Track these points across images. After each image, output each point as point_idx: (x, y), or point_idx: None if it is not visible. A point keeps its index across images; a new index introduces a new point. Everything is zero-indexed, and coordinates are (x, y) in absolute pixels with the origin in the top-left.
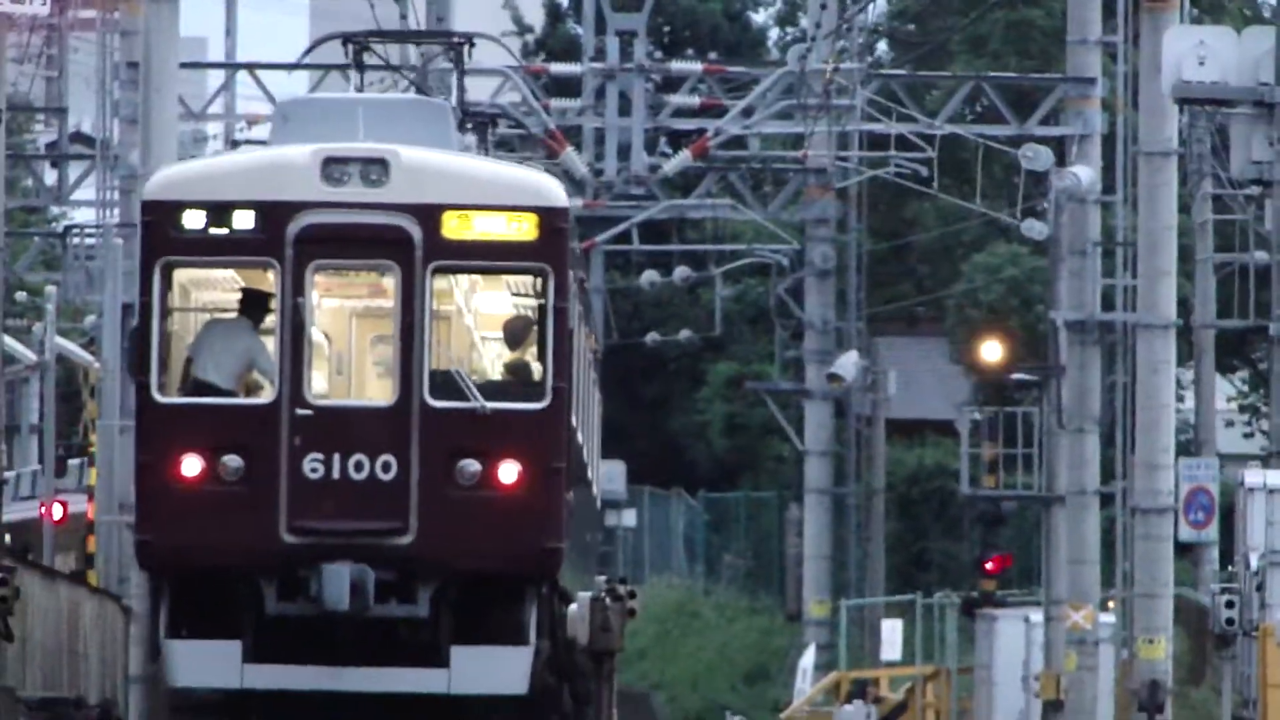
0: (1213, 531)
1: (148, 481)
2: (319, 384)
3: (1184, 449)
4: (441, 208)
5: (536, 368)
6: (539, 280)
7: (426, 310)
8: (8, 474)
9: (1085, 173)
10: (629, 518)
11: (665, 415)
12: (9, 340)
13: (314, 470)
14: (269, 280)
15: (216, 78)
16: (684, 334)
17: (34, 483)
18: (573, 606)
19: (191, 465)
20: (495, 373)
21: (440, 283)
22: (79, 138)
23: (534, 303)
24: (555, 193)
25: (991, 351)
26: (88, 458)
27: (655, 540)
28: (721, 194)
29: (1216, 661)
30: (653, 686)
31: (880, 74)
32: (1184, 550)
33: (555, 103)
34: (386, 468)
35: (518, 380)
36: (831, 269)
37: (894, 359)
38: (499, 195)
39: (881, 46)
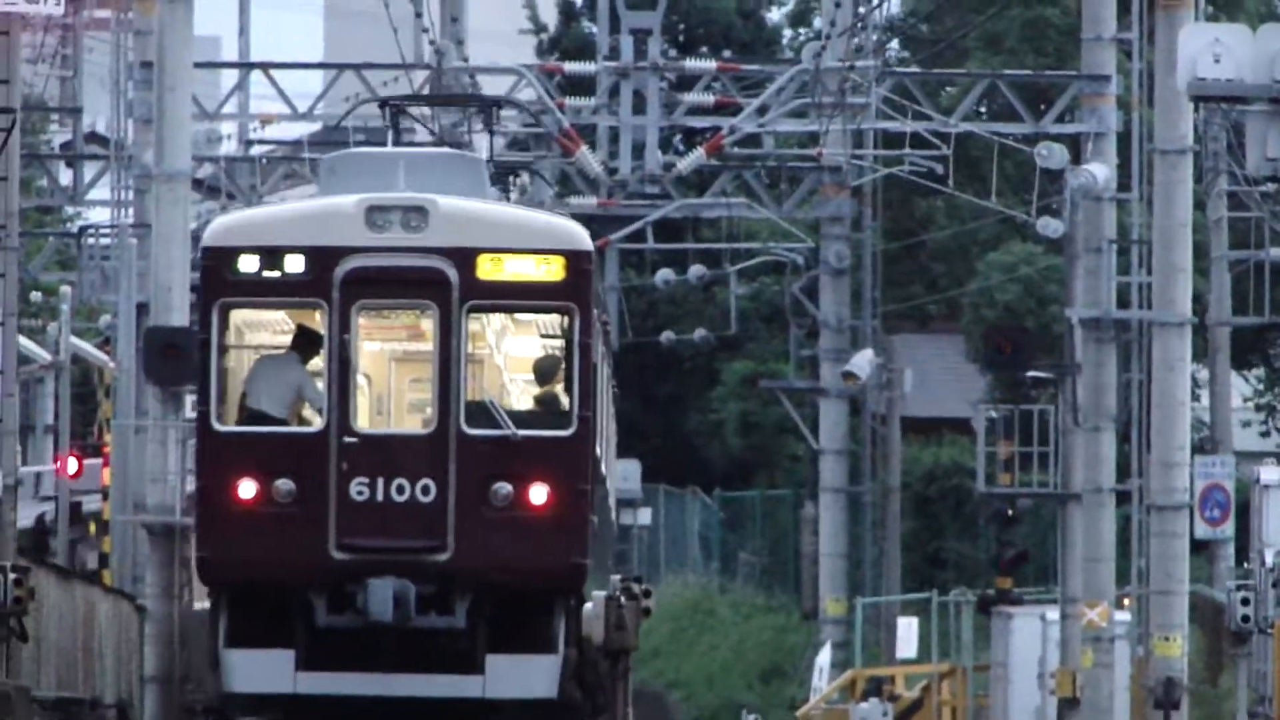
0: (1228, 529)
1: (207, 503)
2: (364, 414)
3: (1199, 447)
4: (476, 251)
5: (564, 398)
6: (565, 318)
7: (462, 346)
8: (23, 470)
9: (1100, 170)
10: (644, 516)
11: (680, 414)
12: (24, 340)
13: (360, 493)
14: (317, 319)
15: (230, 77)
16: (699, 333)
17: (37, 483)
18: (588, 605)
19: (247, 488)
20: (525, 403)
21: (474, 320)
22: (94, 137)
23: (561, 339)
24: (581, 237)
25: (1006, 350)
26: (102, 458)
27: (671, 539)
28: (736, 192)
29: (1232, 658)
30: (668, 685)
31: (895, 72)
32: (1199, 547)
33: (570, 101)
34: (426, 490)
35: (546, 410)
36: (846, 267)
37: (909, 357)
38: (529, 239)
39: (895, 45)
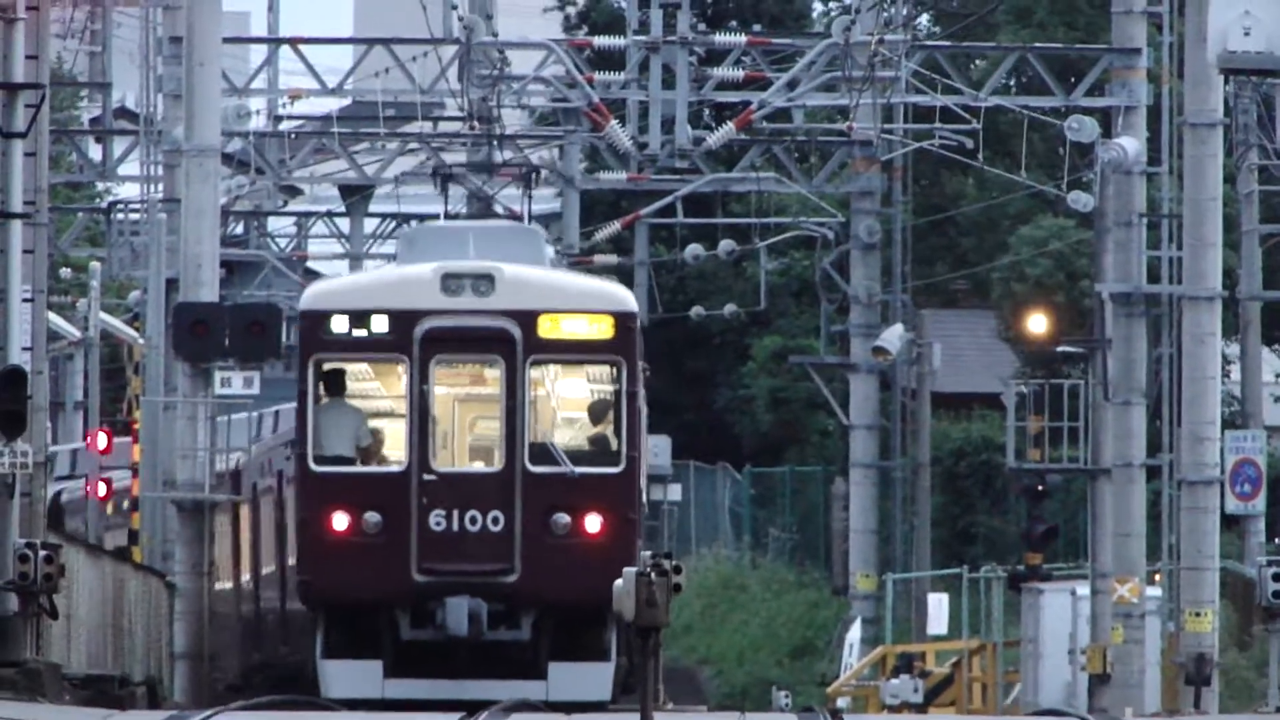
0: (1259, 503)
1: (306, 534)
2: (440, 454)
3: (1230, 422)
4: (537, 313)
5: (613, 440)
6: (614, 369)
7: (526, 394)
8: (52, 448)
9: (1131, 144)
10: (674, 492)
11: (710, 389)
12: (53, 316)
13: (438, 524)
14: (399, 373)
15: (259, 52)
16: (729, 308)
17: (74, 461)
18: (618, 582)
19: (341, 521)
20: (579, 444)
21: (535, 372)
22: (123, 113)
23: (611, 388)
24: (628, 299)
25: (1037, 324)
26: (132, 434)
27: (701, 515)
28: (766, 167)
29: (1263, 633)
30: (699, 661)
31: (925, 46)
32: (1230, 523)
33: (599, 76)
34: (496, 521)
35: (598, 449)
36: (876, 242)
37: (939, 332)
38: (582, 302)
39: (925, 18)
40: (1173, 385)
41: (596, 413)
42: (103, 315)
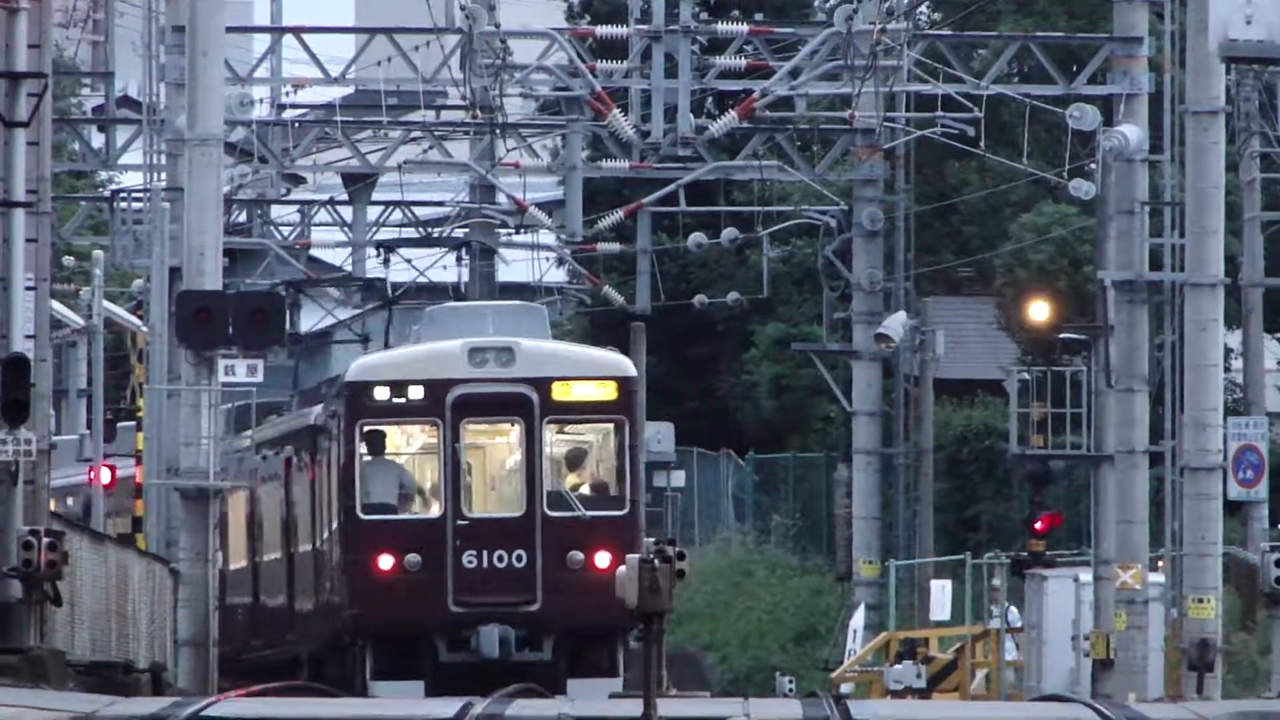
0: (1262, 490)
1: (355, 573)
2: (472, 503)
3: (1233, 409)
4: (551, 380)
5: (618, 487)
6: (618, 427)
7: (542, 450)
8: (55, 438)
9: (1133, 132)
10: (678, 479)
11: (713, 377)
12: (57, 305)
13: (470, 562)
14: (434, 434)
15: (262, 41)
16: (732, 296)
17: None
18: (621, 568)
19: (386, 561)
20: (588, 491)
21: (550, 430)
22: (126, 102)
23: (615, 441)
24: (628, 366)
25: (1039, 311)
26: (136, 422)
27: (705, 501)
28: (768, 155)
29: (1266, 619)
30: (703, 647)
31: (927, 34)
32: (1233, 509)
33: (601, 65)
34: (519, 559)
35: (605, 496)
36: (879, 230)
37: (942, 319)
38: (590, 370)
39: (927, 7)
40: (1175, 372)
41: (603, 464)
42: (106, 304)
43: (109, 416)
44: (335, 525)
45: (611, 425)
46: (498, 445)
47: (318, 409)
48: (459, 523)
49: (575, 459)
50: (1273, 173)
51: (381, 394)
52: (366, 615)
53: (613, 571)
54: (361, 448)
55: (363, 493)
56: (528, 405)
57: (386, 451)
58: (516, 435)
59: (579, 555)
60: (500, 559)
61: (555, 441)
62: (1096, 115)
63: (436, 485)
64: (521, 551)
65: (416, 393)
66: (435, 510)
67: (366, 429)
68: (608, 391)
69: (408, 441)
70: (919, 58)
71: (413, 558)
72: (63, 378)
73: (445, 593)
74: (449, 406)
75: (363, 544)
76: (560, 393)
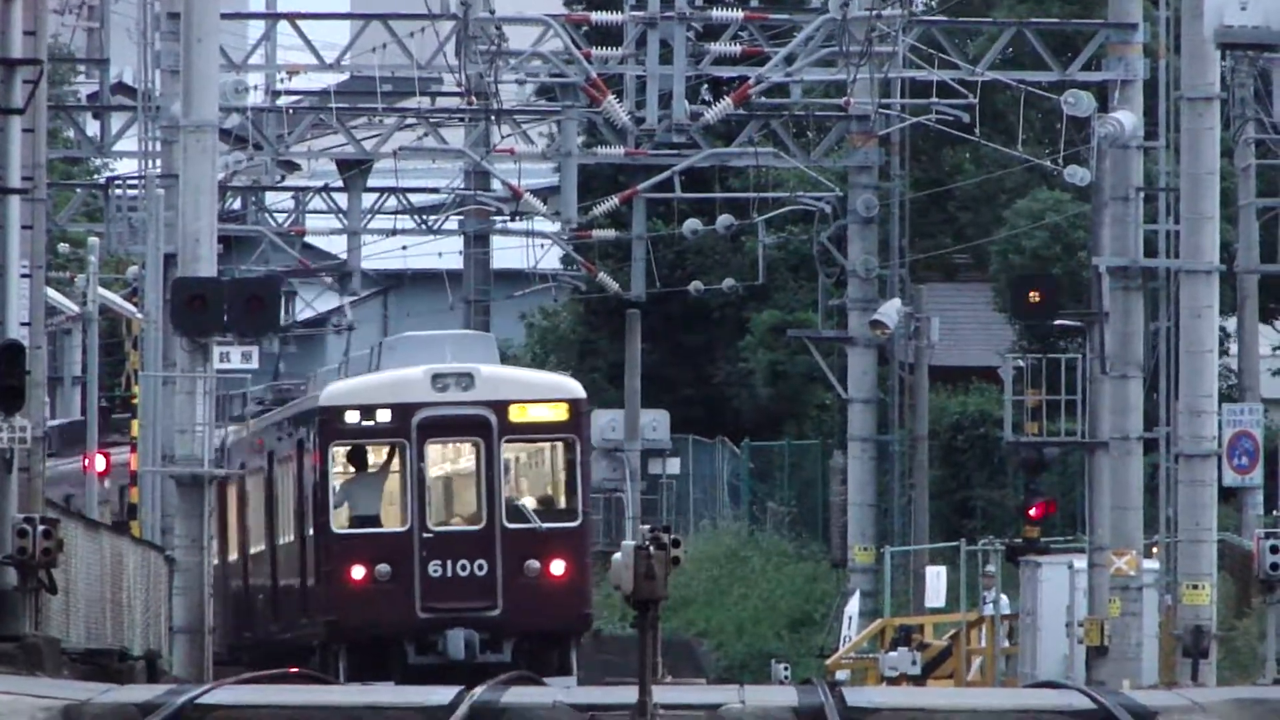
0: (1257, 476)
1: (331, 583)
2: (434, 517)
3: (1228, 395)
4: (509, 403)
5: (570, 500)
6: (569, 445)
7: (499, 467)
8: (50, 423)
9: (1127, 118)
10: (673, 466)
11: (709, 364)
12: (52, 292)
13: (435, 572)
14: (399, 453)
15: (257, 28)
16: (727, 282)
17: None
18: (617, 555)
19: (358, 572)
20: (544, 504)
21: (508, 449)
22: (120, 89)
23: (565, 458)
24: (577, 389)
25: (1035, 298)
26: (131, 409)
27: (700, 488)
28: (763, 142)
29: (1261, 605)
30: (698, 634)
31: (922, 21)
32: (1228, 495)
33: (596, 52)
34: (481, 568)
35: (559, 509)
36: (874, 216)
37: (937, 306)
38: (544, 393)
39: None
40: (1170, 358)
41: (556, 480)
42: (101, 290)
43: (104, 403)
44: (312, 538)
45: (563, 443)
46: (460, 463)
47: (292, 426)
48: (425, 535)
49: (537, 476)
50: (1268, 159)
51: (352, 417)
52: (342, 621)
53: (566, 579)
54: (335, 467)
55: (336, 509)
56: (487, 426)
57: (357, 470)
58: (477, 454)
59: (535, 564)
60: (463, 568)
61: (512, 459)
62: (1091, 101)
63: (404, 501)
64: (483, 561)
65: (384, 415)
66: (403, 524)
67: (338, 449)
68: (560, 413)
69: (377, 460)
70: (914, 44)
71: (383, 568)
72: (58, 365)
73: (413, 600)
74: (414, 428)
75: (336, 556)
76: (517, 414)
